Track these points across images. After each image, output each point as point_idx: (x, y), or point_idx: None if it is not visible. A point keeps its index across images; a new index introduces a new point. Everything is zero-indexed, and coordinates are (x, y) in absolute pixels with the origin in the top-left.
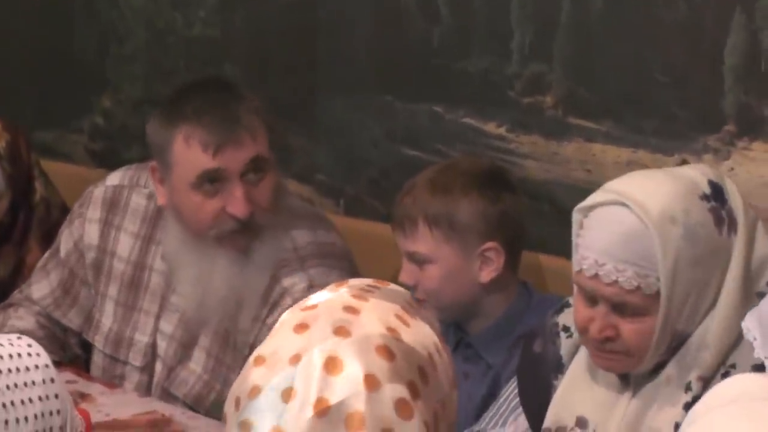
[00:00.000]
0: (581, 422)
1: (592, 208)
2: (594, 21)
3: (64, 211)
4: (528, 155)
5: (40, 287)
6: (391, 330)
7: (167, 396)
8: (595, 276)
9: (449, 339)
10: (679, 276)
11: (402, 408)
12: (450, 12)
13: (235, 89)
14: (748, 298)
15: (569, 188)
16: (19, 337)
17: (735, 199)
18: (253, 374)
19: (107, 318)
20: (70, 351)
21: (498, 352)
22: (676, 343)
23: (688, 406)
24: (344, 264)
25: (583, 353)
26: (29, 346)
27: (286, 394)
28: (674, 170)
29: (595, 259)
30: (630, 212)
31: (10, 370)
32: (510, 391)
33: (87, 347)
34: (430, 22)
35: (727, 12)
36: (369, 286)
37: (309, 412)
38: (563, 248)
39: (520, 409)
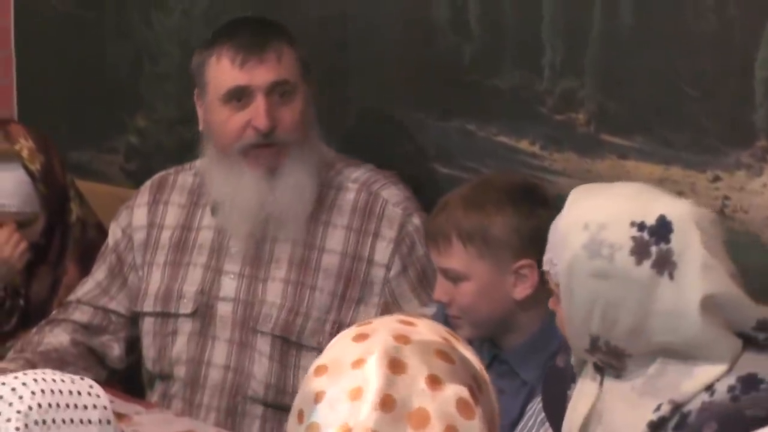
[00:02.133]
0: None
1: None
2: (625, 36)
3: (100, 230)
4: (561, 172)
5: (84, 287)
6: (446, 340)
7: (253, 333)
8: None
9: (483, 355)
10: (574, 279)
11: (464, 408)
12: (481, 28)
13: (276, 22)
14: (728, 337)
15: None
16: (82, 378)
17: (685, 248)
18: (314, 383)
19: (155, 282)
20: (109, 367)
21: (533, 368)
22: (607, 348)
23: (652, 426)
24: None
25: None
26: (90, 387)
27: (353, 394)
28: (652, 194)
29: None
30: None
31: (68, 406)
32: (535, 406)
33: (130, 354)
34: (461, 38)
35: (757, 25)
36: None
37: (375, 409)
38: None
39: (548, 423)
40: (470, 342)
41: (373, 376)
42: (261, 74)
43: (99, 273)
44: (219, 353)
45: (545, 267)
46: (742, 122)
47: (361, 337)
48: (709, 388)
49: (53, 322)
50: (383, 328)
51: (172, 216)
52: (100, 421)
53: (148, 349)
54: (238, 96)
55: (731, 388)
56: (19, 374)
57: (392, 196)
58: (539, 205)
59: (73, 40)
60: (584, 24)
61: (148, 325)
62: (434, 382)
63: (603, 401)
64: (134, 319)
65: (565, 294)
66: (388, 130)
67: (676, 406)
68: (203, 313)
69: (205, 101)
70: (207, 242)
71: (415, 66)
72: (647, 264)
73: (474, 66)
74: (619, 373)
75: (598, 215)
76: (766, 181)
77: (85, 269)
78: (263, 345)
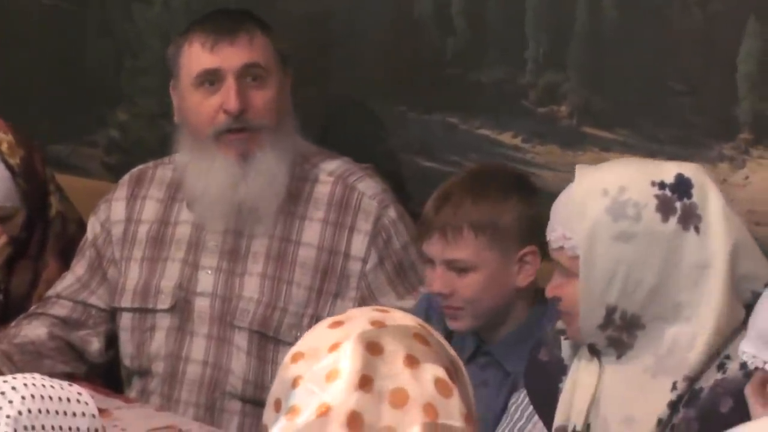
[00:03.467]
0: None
1: None
2: (608, 30)
3: (81, 225)
4: (544, 165)
5: (63, 282)
6: (420, 325)
7: (230, 328)
8: (548, 241)
9: (467, 346)
10: (596, 245)
11: (442, 387)
12: (464, 22)
13: (251, 13)
14: (738, 299)
15: None
16: (70, 384)
17: (704, 200)
18: (291, 370)
19: (132, 277)
20: (88, 361)
21: (517, 359)
22: (622, 321)
23: (672, 405)
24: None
25: (583, 351)
26: (79, 393)
27: (330, 375)
28: (656, 161)
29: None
30: (573, 183)
31: (57, 412)
32: (519, 402)
33: (109, 348)
34: (444, 32)
35: (740, 19)
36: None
37: (354, 389)
38: None
39: (536, 417)
40: (454, 333)
41: (350, 358)
42: (232, 56)
43: (78, 268)
44: (197, 349)
45: (555, 244)
46: (725, 115)
47: (337, 324)
48: (721, 366)
49: (32, 315)
50: (359, 316)
51: (150, 210)
52: (88, 430)
53: (126, 345)
54: (210, 79)
55: (743, 365)
56: (9, 378)
57: (368, 188)
58: (536, 193)
59: (54, 33)
60: (567, 17)
61: (125, 321)
62: (412, 361)
63: (601, 389)
64: (114, 314)
65: (586, 264)
66: (370, 124)
67: (690, 382)
68: (181, 308)
69: (179, 88)
70: (184, 237)
71: (398, 60)
72: (673, 220)
73: (457, 60)
74: (623, 352)
75: (616, 180)
76: (748, 174)
77: (65, 264)
78: (241, 340)
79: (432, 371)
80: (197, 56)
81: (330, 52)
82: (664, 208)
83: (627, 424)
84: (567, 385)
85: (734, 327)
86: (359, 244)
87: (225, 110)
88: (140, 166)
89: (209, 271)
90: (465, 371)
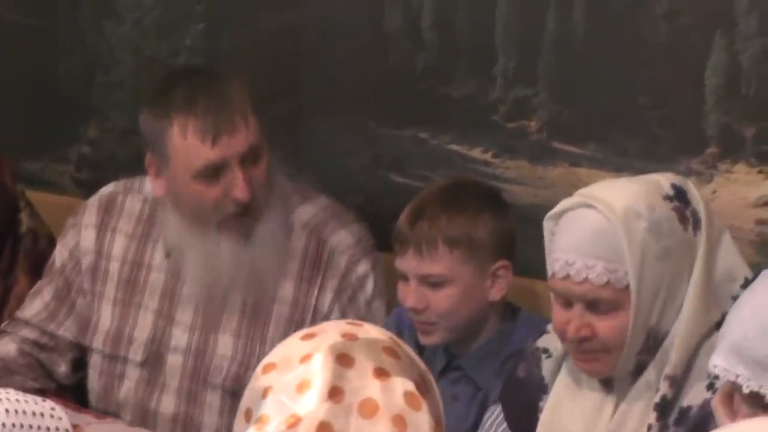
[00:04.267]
0: None
1: (561, 214)
2: (577, 44)
3: (51, 241)
4: (514, 180)
5: (32, 307)
6: (392, 339)
7: (203, 385)
8: (567, 276)
9: (438, 361)
10: (646, 269)
11: (411, 399)
12: (434, 37)
13: (224, 74)
14: (714, 299)
15: None
16: (44, 400)
17: (698, 203)
18: (262, 380)
19: (105, 318)
20: (57, 379)
21: (487, 374)
22: (653, 342)
23: (657, 407)
24: (356, 217)
25: (565, 371)
26: (53, 408)
27: (301, 386)
28: (638, 177)
29: (566, 260)
30: (596, 212)
31: (32, 426)
32: (494, 418)
33: (77, 371)
34: (414, 47)
35: (708, 34)
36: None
37: (324, 400)
38: None
39: None
40: (425, 348)
41: (320, 369)
42: (234, 146)
43: (46, 293)
44: (167, 403)
45: (598, 281)
46: (693, 130)
47: (309, 336)
48: (711, 386)
49: (1, 333)
50: (331, 328)
51: (120, 246)
52: None
53: (93, 384)
54: (212, 170)
55: (711, 383)
56: None
57: (340, 242)
58: (508, 208)
59: (25, 49)
60: (537, 32)
61: (95, 360)
62: (382, 374)
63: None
64: (81, 345)
65: (637, 290)
66: (341, 139)
67: (672, 382)
68: (153, 362)
69: (169, 173)
70: (158, 284)
71: (369, 75)
72: (690, 228)
73: (427, 75)
74: (639, 374)
75: (638, 202)
76: (715, 188)
77: (35, 280)
78: (213, 398)
79: (402, 384)
80: (197, 150)
81: (301, 66)
82: (683, 219)
83: None
84: (549, 404)
85: (708, 327)
86: (325, 301)
87: (234, 199)
88: (109, 189)
89: (183, 327)
90: (435, 385)
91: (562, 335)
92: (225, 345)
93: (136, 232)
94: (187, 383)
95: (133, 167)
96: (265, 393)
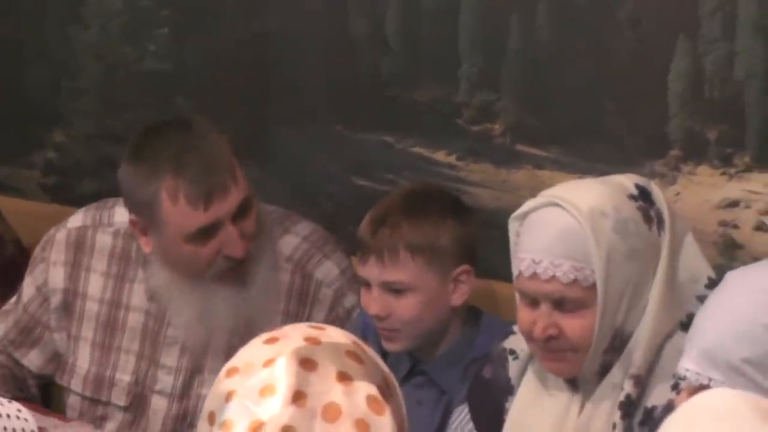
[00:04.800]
0: None
1: (526, 214)
2: (541, 49)
3: (18, 246)
4: (478, 183)
5: (1, 327)
6: (355, 343)
7: (189, 429)
8: (534, 275)
9: (402, 366)
10: (613, 268)
11: (374, 403)
12: (398, 43)
13: (205, 129)
14: (678, 299)
15: None
16: (10, 401)
17: (661, 203)
18: (225, 384)
19: (83, 360)
20: (28, 392)
21: (451, 378)
22: (619, 342)
23: (621, 405)
24: (338, 244)
25: (531, 373)
26: (19, 410)
27: (264, 391)
28: (602, 178)
29: (532, 259)
30: (562, 210)
31: None
32: (461, 420)
33: (45, 389)
34: (379, 53)
35: (670, 39)
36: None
37: (288, 404)
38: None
39: None
40: (390, 354)
41: (284, 373)
42: (226, 207)
43: (11, 319)
44: None
45: (565, 278)
46: (657, 133)
47: (272, 340)
48: (676, 386)
49: None
50: (294, 332)
51: (95, 286)
52: None
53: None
54: (204, 232)
55: (676, 385)
56: None
57: (326, 275)
58: (468, 212)
59: None
60: (501, 37)
61: (74, 402)
62: (345, 378)
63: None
64: (47, 377)
65: (603, 288)
66: (308, 144)
67: (636, 381)
68: (136, 404)
69: (159, 236)
70: (138, 326)
71: (334, 81)
72: (654, 228)
73: (392, 79)
74: (603, 375)
75: (604, 202)
76: (679, 190)
77: (3, 284)
78: None
79: (365, 389)
80: (190, 216)
81: (265, 72)
82: (647, 219)
83: None
84: (515, 406)
85: (671, 327)
86: None
87: (227, 256)
88: (77, 222)
89: (168, 370)
90: (398, 390)
91: (528, 336)
92: (211, 386)
93: (110, 270)
94: (171, 425)
95: (99, 172)
96: (228, 397)
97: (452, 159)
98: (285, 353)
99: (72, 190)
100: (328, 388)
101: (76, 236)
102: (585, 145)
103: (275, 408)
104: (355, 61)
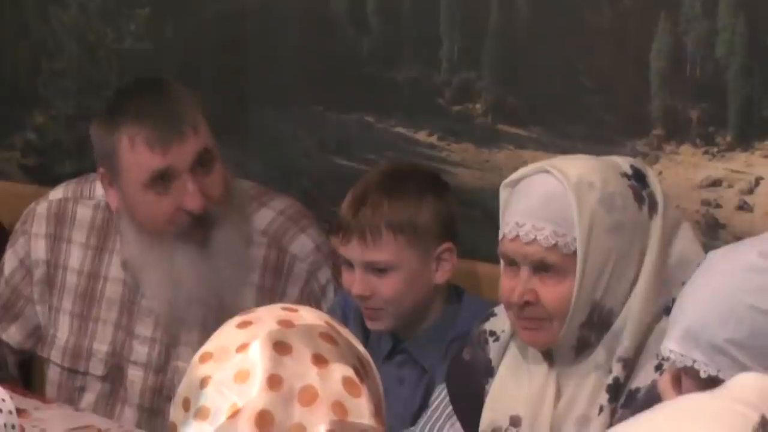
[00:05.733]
0: (514, 421)
1: (517, 181)
2: (521, 28)
3: None
4: (459, 163)
5: None
6: (329, 324)
7: (165, 401)
8: (516, 237)
9: (384, 345)
10: (594, 238)
11: (350, 385)
12: (379, 22)
13: (173, 86)
14: (665, 284)
15: None
16: None
17: (656, 187)
18: (200, 370)
19: (63, 331)
20: (7, 371)
21: (433, 356)
22: (598, 318)
23: (609, 389)
24: (314, 219)
25: (510, 354)
26: None
27: (239, 376)
28: (601, 156)
29: (516, 221)
30: (551, 176)
31: None
32: (441, 398)
33: (25, 368)
34: (359, 32)
35: (651, 17)
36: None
37: (264, 389)
38: (496, 254)
39: (455, 417)
40: (370, 334)
41: (258, 358)
42: (183, 153)
43: None
44: (129, 416)
45: (546, 243)
46: (638, 112)
47: (245, 324)
48: (659, 367)
49: None
50: (267, 315)
51: (75, 257)
52: (5, 426)
53: (52, 396)
54: (162, 178)
55: (659, 365)
56: None
57: (301, 249)
58: (449, 190)
59: None
60: (481, 16)
61: (53, 374)
62: (320, 361)
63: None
64: (27, 352)
65: (583, 258)
66: (287, 124)
67: (624, 364)
68: (113, 375)
69: (121, 185)
70: (116, 296)
71: (314, 60)
72: (645, 208)
73: (372, 59)
74: (582, 351)
75: (594, 174)
76: (661, 170)
77: None
78: None
79: (340, 370)
80: (145, 158)
81: (245, 51)
82: (638, 198)
83: (582, 424)
84: (494, 387)
85: (658, 311)
86: None
87: (187, 210)
88: (58, 195)
89: (143, 340)
90: (374, 368)
91: (507, 303)
92: (187, 359)
93: (90, 242)
94: (149, 397)
95: (79, 154)
96: (203, 383)
97: (433, 139)
98: (259, 337)
99: (52, 170)
100: (303, 371)
101: (57, 208)
102: (566, 125)
103: (251, 393)
104: (335, 40)
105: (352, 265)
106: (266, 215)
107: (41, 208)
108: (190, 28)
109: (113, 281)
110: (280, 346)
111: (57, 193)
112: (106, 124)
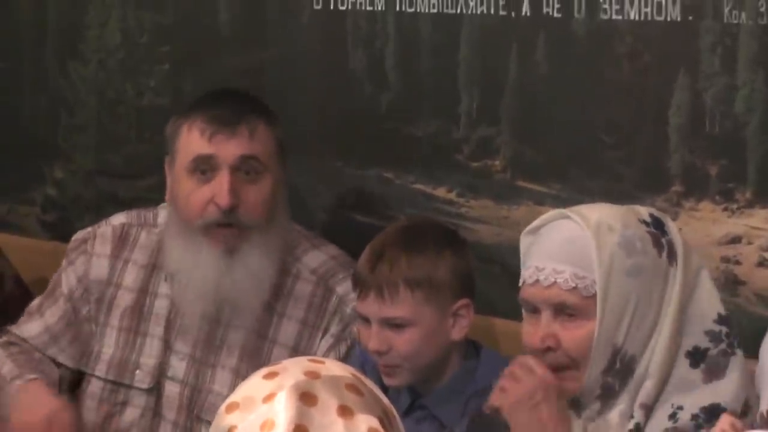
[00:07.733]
0: None
1: (538, 228)
2: (540, 83)
3: (18, 282)
4: (478, 219)
5: (31, 327)
6: (355, 375)
7: (197, 421)
8: (536, 282)
9: (402, 401)
10: (613, 281)
11: None
12: (398, 77)
13: (257, 100)
14: (684, 329)
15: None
16: None
17: (675, 236)
18: (226, 420)
19: (108, 346)
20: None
21: (452, 412)
22: (621, 364)
23: None
24: None
25: None
26: None
27: (265, 426)
28: (619, 205)
29: (536, 266)
30: (571, 221)
31: None
32: None
33: (73, 389)
34: (378, 87)
35: (671, 73)
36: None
37: None
38: (515, 311)
39: None
40: (389, 389)
41: (284, 408)
42: (229, 147)
43: (50, 316)
44: None
45: (567, 284)
46: (657, 168)
47: (271, 375)
48: (673, 416)
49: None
50: (293, 366)
51: (131, 277)
52: None
53: (90, 413)
54: (204, 167)
55: (694, 417)
56: None
57: (347, 292)
58: (467, 246)
59: None
60: (500, 72)
61: (94, 388)
62: (346, 412)
63: None
64: (80, 371)
65: (602, 298)
66: (306, 178)
67: (647, 411)
68: (156, 390)
69: (173, 170)
70: (163, 311)
71: (333, 115)
72: (664, 255)
73: (391, 114)
74: (607, 402)
75: (614, 219)
76: (681, 226)
77: (2, 321)
78: None
79: (366, 422)
80: (195, 142)
81: None
82: (657, 244)
83: None
84: None
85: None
86: (324, 345)
87: (216, 204)
88: (121, 219)
89: (181, 357)
90: (399, 421)
91: (530, 349)
92: (222, 382)
93: (147, 261)
94: (184, 416)
95: (99, 209)
96: None
97: (452, 195)
98: (285, 388)
99: (71, 226)
100: (329, 422)
101: (122, 232)
102: (585, 180)
103: None
104: (353, 95)
105: (368, 320)
106: (318, 256)
107: (103, 230)
108: (208, 83)
109: (161, 297)
110: (306, 397)
111: (119, 218)
112: (179, 115)
